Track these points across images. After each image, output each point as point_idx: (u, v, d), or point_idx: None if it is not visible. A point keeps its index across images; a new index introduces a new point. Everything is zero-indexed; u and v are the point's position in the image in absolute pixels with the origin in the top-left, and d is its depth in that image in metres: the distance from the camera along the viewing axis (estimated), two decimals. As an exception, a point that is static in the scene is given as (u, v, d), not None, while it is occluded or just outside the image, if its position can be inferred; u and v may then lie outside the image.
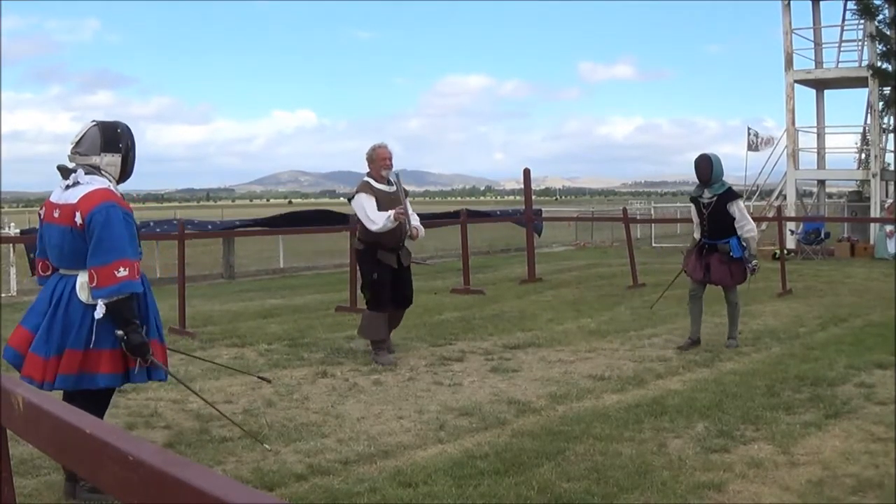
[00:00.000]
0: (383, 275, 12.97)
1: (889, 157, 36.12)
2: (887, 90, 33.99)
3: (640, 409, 10.04)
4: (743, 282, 13.93)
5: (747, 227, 13.61)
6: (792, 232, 32.51)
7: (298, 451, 8.75)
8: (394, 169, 13.14)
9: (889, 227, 31.35)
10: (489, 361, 13.00)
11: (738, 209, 13.64)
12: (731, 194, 13.80)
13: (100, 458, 2.57)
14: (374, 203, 12.87)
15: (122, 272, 7.24)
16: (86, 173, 7.52)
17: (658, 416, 9.76)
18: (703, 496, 7.34)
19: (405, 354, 13.12)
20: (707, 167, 13.72)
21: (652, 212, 51.28)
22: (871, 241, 32.56)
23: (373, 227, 12.77)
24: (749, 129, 38.04)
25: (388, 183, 13.12)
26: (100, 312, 7.25)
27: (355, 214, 13.38)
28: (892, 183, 36.49)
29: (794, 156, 35.40)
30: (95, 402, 7.47)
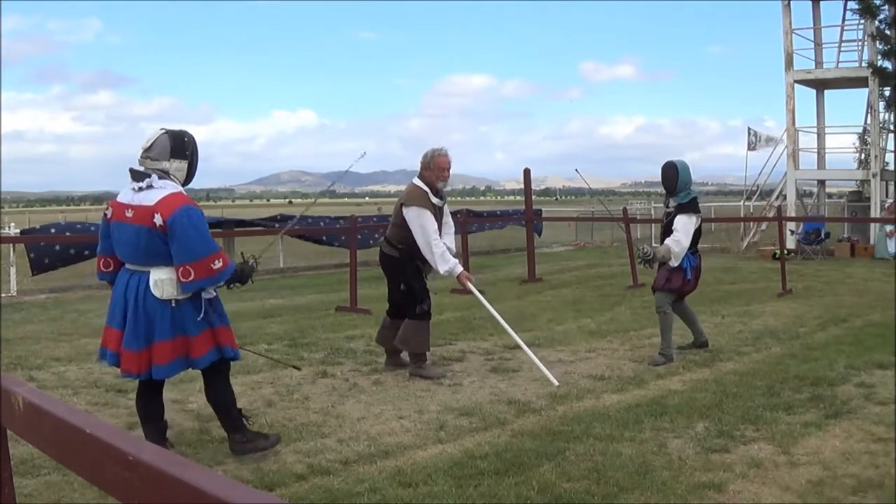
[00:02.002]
0: (424, 283, 12.51)
1: (889, 157, 36.13)
2: (888, 90, 34.02)
3: (640, 410, 10.05)
4: (664, 288, 13.22)
5: (676, 238, 12.94)
6: (792, 232, 32.53)
7: (298, 451, 8.76)
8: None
9: (889, 227, 31.37)
10: (489, 361, 13.02)
11: (681, 223, 13.01)
12: (686, 207, 13.11)
13: (100, 458, 2.57)
14: (436, 224, 12.16)
15: (218, 264, 8.04)
16: (158, 178, 8.12)
17: (658, 416, 9.77)
18: (703, 496, 7.35)
19: (404, 354, 13.11)
20: (672, 175, 13.16)
21: (652, 212, 51.29)
22: (872, 242, 32.58)
23: (435, 261, 12.04)
24: (749, 129, 38.07)
25: (441, 196, 12.42)
26: (209, 295, 8.25)
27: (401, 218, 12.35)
28: (893, 183, 36.50)
29: (794, 156, 35.41)
30: (223, 379, 8.75)
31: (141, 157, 8.25)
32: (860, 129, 36.94)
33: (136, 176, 8.17)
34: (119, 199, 8.28)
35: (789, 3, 35.13)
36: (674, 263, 13.07)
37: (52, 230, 24.88)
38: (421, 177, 12.38)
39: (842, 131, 39.12)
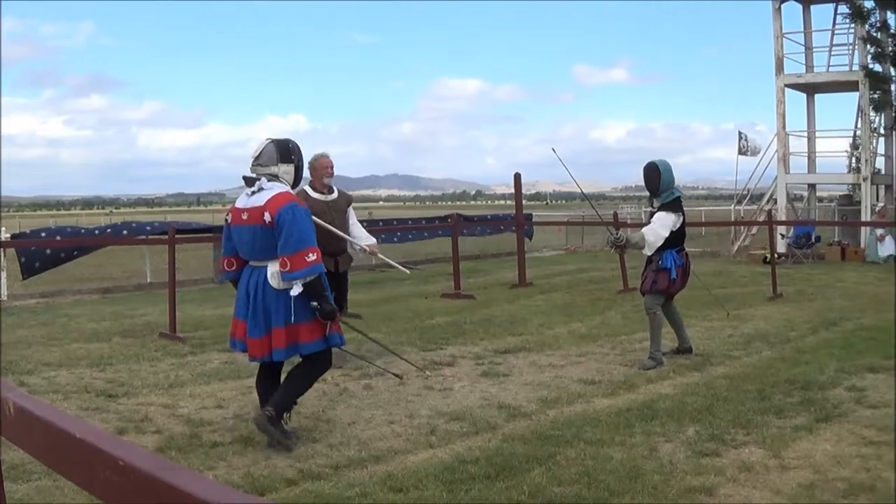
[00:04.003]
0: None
1: (879, 161, 36.20)
2: (877, 94, 34.09)
3: (631, 414, 10.05)
4: (652, 290, 13.23)
5: (652, 227, 12.99)
6: (783, 236, 32.56)
7: (289, 455, 8.76)
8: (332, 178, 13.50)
9: (880, 231, 31.42)
10: (480, 366, 13.01)
11: (659, 217, 13.00)
12: (668, 206, 13.08)
13: (91, 463, 2.57)
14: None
15: (312, 257, 8.73)
16: (268, 181, 9.01)
17: (649, 420, 9.77)
18: (694, 500, 7.35)
19: (395, 360, 13.11)
20: (655, 176, 13.13)
21: (643, 216, 51.34)
22: (862, 245, 32.60)
23: None
24: (740, 133, 38.14)
25: (329, 192, 13.44)
26: (296, 291, 8.76)
27: None
28: (883, 187, 36.57)
29: (784, 160, 35.43)
30: (315, 369, 9.42)
31: (252, 165, 9.14)
32: (851, 133, 37.00)
33: (249, 182, 9.08)
34: (236, 204, 9.22)
35: (780, 7, 35.20)
36: (647, 252, 13.13)
37: (43, 234, 24.92)
38: (309, 182, 13.54)
39: (832, 135, 39.23)
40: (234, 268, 9.42)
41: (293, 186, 9.35)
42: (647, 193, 13.44)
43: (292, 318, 8.86)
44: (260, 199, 8.87)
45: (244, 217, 8.97)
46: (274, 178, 9.06)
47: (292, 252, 8.65)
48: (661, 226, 12.91)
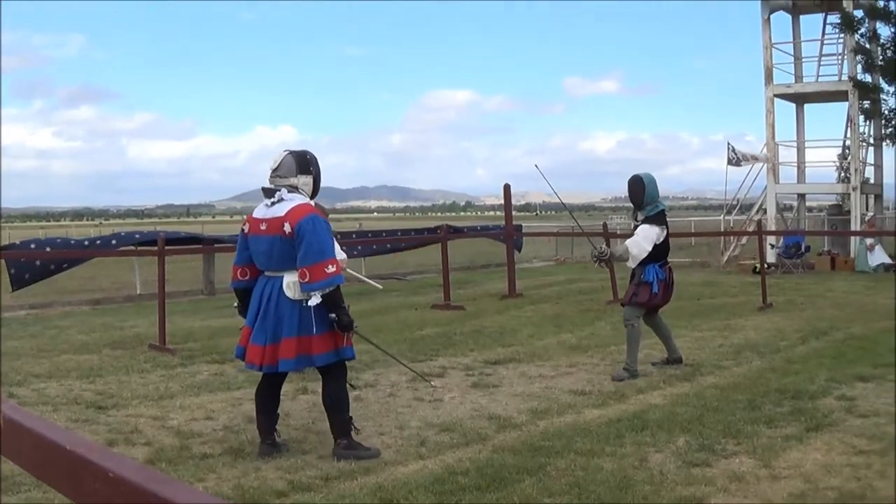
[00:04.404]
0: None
1: (869, 171, 36.28)
2: (867, 103, 34.20)
3: (621, 424, 10.06)
4: (632, 302, 13.24)
5: (635, 240, 13.03)
6: (772, 246, 32.58)
7: (279, 467, 8.75)
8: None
9: (869, 241, 31.50)
10: (470, 377, 13.01)
11: (642, 230, 13.03)
12: (652, 219, 13.10)
13: (80, 475, 2.56)
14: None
15: (331, 269, 8.86)
16: (288, 192, 9.10)
17: (639, 430, 9.77)
18: (685, 510, 7.35)
19: (385, 371, 13.10)
20: (639, 189, 13.18)
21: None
22: (852, 255, 32.68)
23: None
24: (729, 144, 38.22)
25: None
26: (315, 301, 8.86)
27: None
28: (872, 196, 36.65)
29: (774, 170, 35.50)
30: (340, 380, 9.44)
31: (270, 176, 9.23)
32: (840, 143, 37.06)
33: (268, 193, 9.17)
34: (254, 214, 9.34)
35: (769, 18, 35.30)
36: (631, 264, 13.15)
37: (32, 245, 24.84)
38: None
39: (822, 145, 39.28)
40: (247, 277, 9.49)
41: (311, 197, 9.41)
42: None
43: (313, 328, 8.94)
44: (280, 210, 8.97)
45: (263, 227, 9.07)
46: (293, 189, 9.16)
47: (312, 263, 8.75)
48: (645, 238, 12.94)
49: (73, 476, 2.63)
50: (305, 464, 8.86)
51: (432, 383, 12.38)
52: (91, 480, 2.50)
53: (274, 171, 9.19)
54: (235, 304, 9.81)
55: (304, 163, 9.29)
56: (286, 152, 9.32)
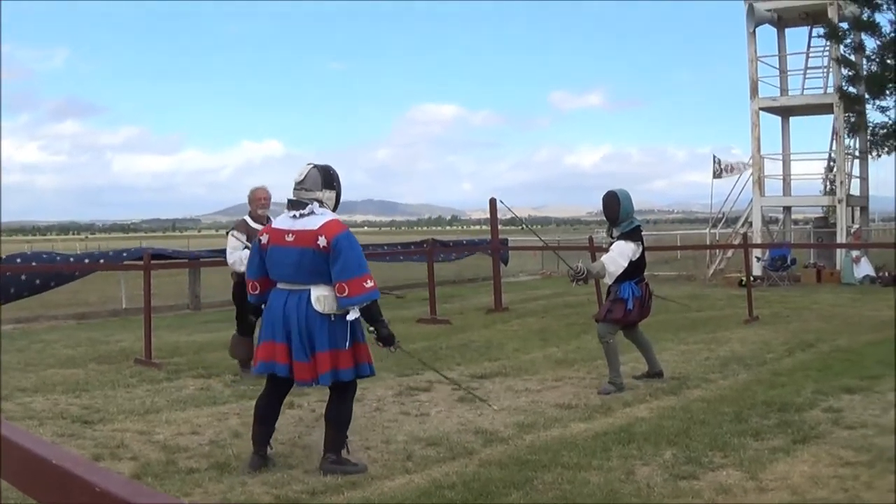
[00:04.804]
0: (250, 307, 13.30)
1: (854, 183, 36.39)
2: (853, 115, 34.31)
3: (608, 437, 10.06)
4: (606, 319, 13.24)
5: (611, 256, 13.00)
6: (758, 259, 32.66)
7: (266, 482, 8.73)
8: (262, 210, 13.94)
9: (855, 253, 31.59)
10: (456, 391, 12.98)
11: (618, 246, 13.02)
12: (627, 235, 13.08)
13: (67, 490, 2.56)
14: (244, 240, 14.12)
15: (369, 283, 8.91)
16: (319, 206, 9.14)
17: (626, 443, 9.77)
18: (672, 523, 7.35)
19: (372, 385, 13.09)
20: (614, 205, 13.16)
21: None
22: (838, 267, 32.77)
23: (230, 264, 14.38)
24: (715, 157, 38.31)
25: (266, 221, 13.42)
26: (353, 315, 8.93)
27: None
28: (858, 208, 36.77)
29: (759, 182, 35.60)
30: (349, 397, 9.42)
31: (295, 188, 9.24)
32: (825, 156, 37.17)
33: (296, 205, 9.16)
34: (276, 225, 9.32)
35: (754, 31, 35.42)
36: (608, 281, 13.21)
37: (18, 260, 24.79)
38: (248, 212, 14.86)
39: (807, 158, 39.34)
40: (257, 291, 9.52)
41: (333, 211, 9.40)
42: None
43: (345, 343, 8.99)
44: (312, 223, 8.95)
45: (289, 238, 9.00)
46: (318, 202, 9.18)
47: (351, 277, 8.77)
48: (620, 254, 12.93)
49: (60, 490, 2.62)
50: (292, 478, 8.84)
51: (490, 404, 12.17)
52: (77, 494, 2.49)
53: (299, 183, 9.22)
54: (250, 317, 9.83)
55: (328, 178, 9.32)
56: (311, 165, 9.35)
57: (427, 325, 21.06)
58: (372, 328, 9.25)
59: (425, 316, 22.23)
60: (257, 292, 9.49)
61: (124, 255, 27.55)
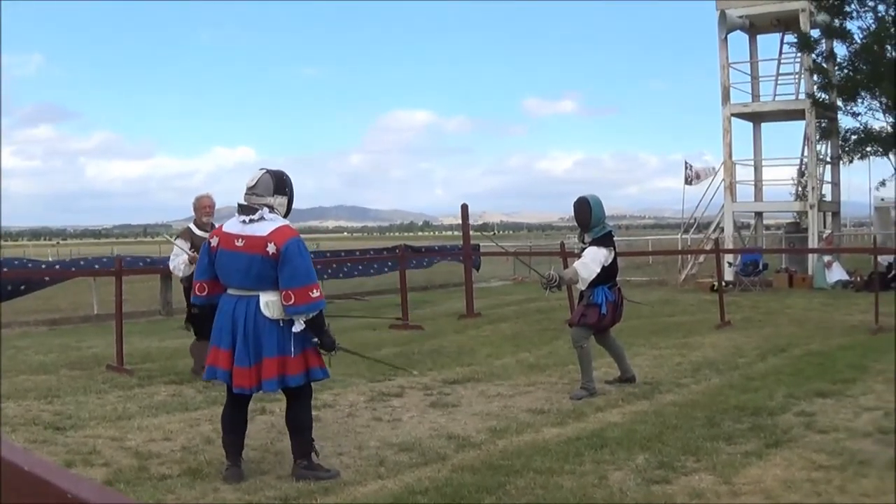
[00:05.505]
0: (194, 308, 13.61)
1: (826, 189, 36.55)
2: (825, 122, 34.48)
3: (581, 442, 10.06)
4: (580, 323, 13.27)
5: (584, 262, 12.99)
6: (730, 264, 32.80)
7: (238, 488, 8.71)
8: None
9: (827, 258, 31.72)
10: (428, 396, 12.99)
11: (590, 251, 13.02)
12: (599, 241, 13.11)
13: (39, 496, 2.54)
14: (186, 247, 14.59)
15: (315, 293, 8.80)
16: (269, 211, 9.01)
17: (598, 448, 9.78)
18: (645, 528, 7.36)
19: (344, 390, 13.08)
20: (586, 211, 13.17)
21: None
22: (810, 272, 32.92)
23: (172, 269, 14.98)
24: (686, 163, 38.42)
25: (210, 229, 13.57)
26: (298, 327, 8.84)
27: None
28: (830, 214, 36.93)
29: (731, 188, 35.75)
30: (306, 401, 9.40)
31: (246, 193, 9.10)
32: (797, 161, 37.31)
33: (246, 210, 9.02)
34: (226, 229, 9.17)
35: (726, 38, 35.58)
36: (581, 287, 13.21)
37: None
38: (193, 219, 15.33)
39: (779, 163, 39.48)
40: (205, 293, 9.40)
41: (284, 217, 9.26)
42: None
43: (291, 349, 8.88)
44: (262, 229, 8.84)
45: (239, 243, 8.89)
46: (270, 209, 9.05)
47: (298, 286, 8.69)
48: (593, 260, 12.95)
49: (32, 497, 2.61)
50: (264, 484, 8.81)
51: (414, 373, 12.37)
52: (50, 501, 2.48)
53: (251, 188, 9.09)
54: (185, 323, 9.76)
55: (280, 183, 9.18)
56: (263, 171, 9.22)
57: (399, 331, 21.05)
58: (316, 339, 9.07)
59: (397, 322, 22.21)
60: (204, 293, 9.41)
61: (96, 266, 27.46)
